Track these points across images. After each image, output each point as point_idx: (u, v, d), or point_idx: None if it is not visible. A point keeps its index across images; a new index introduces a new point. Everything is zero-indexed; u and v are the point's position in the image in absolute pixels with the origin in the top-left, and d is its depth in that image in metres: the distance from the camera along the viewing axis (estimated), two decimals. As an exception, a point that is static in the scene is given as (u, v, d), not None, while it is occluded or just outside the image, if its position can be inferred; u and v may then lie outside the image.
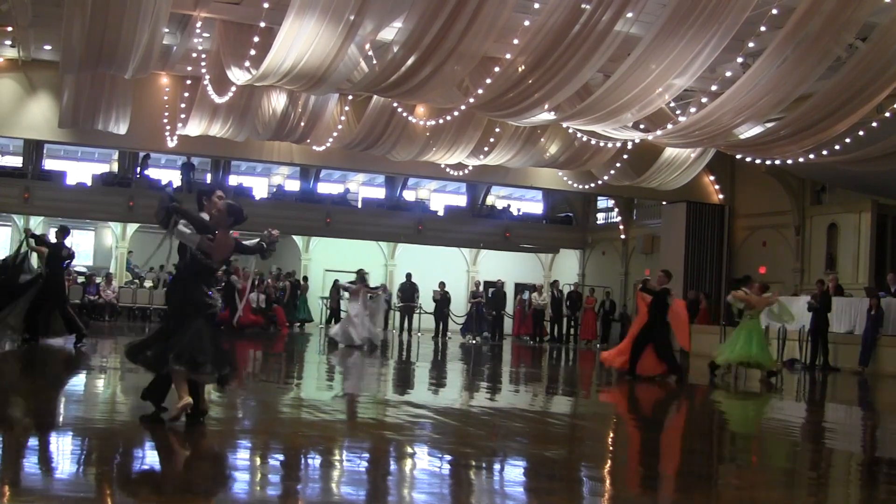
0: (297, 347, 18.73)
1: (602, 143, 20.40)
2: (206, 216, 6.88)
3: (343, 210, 29.01)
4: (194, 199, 7.29)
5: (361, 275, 19.02)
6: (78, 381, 10.61)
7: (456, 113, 17.93)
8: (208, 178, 29.97)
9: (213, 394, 7.90)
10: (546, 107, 15.60)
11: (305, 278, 28.31)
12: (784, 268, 24.58)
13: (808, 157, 16.63)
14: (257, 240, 7.08)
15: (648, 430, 9.09)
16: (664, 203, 26.88)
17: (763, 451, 7.84)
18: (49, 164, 28.46)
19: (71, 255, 14.29)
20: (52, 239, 14.21)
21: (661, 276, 13.92)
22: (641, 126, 17.41)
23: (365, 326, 18.27)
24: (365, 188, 33.85)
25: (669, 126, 16.63)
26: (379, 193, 32.40)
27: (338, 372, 13.91)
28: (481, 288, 27.86)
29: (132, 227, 28.64)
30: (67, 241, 14.18)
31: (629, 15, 13.16)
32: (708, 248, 26.23)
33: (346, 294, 19.47)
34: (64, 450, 5.95)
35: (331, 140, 21.20)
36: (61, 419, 7.31)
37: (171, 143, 21.75)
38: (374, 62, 16.55)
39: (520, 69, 14.51)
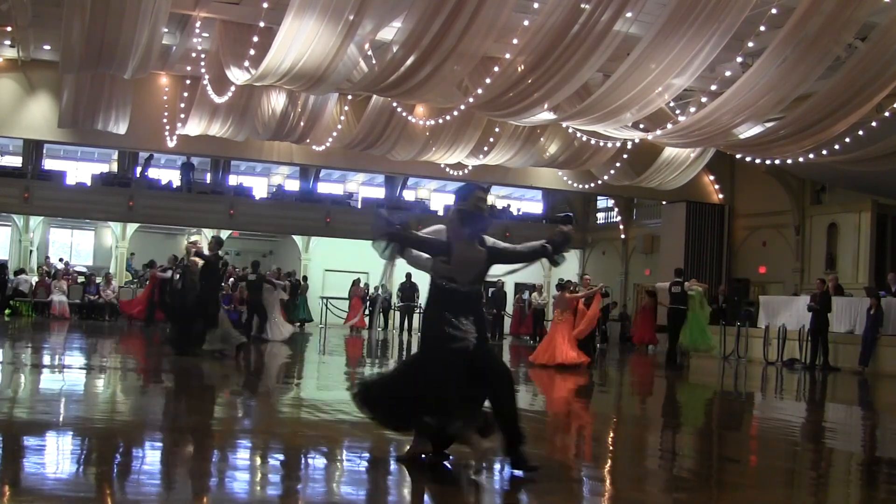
0: (297, 347, 18.71)
1: (602, 143, 20.41)
2: (440, 229, 5.72)
3: (343, 210, 29.01)
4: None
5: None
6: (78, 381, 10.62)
7: (456, 113, 17.93)
8: (208, 177, 29.98)
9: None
10: (546, 107, 15.61)
11: (305, 278, 28.30)
12: (784, 268, 24.59)
13: (808, 157, 16.64)
14: (541, 241, 5.64)
15: (648, 429, 9.09)
16: (664, 203, 26.88)
17: (763, 451, 7.84)
18: (49, 164, 28.48)
19: (226, 264, 13.91)
20: (207, 251, 13.67)
21: (588, 279, 16.47)
22: (641, 126, 17.42)
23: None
24: (365, 188, 33.85)
25: (669, 126, 16.64)
26: (379, 193, 32.40)
27: (339, 372, 13.92)
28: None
29: (132, 227, 28.65)
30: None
31: (628, 15, 13.17)
32: (708, 248, 26.24)
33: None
34: (64, 450, 5.95)
35: (330, 140, 21.21)
36: (61, 419, 7.31)
37: (171, 143, 21.77)
38: (374, 62, 16.56)
39: (519, 69, 14.51)
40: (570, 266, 32.48)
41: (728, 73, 15.72)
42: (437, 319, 5.49)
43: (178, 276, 15.00)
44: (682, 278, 18.25)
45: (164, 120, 21.17)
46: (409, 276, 26.13)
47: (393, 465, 6.04)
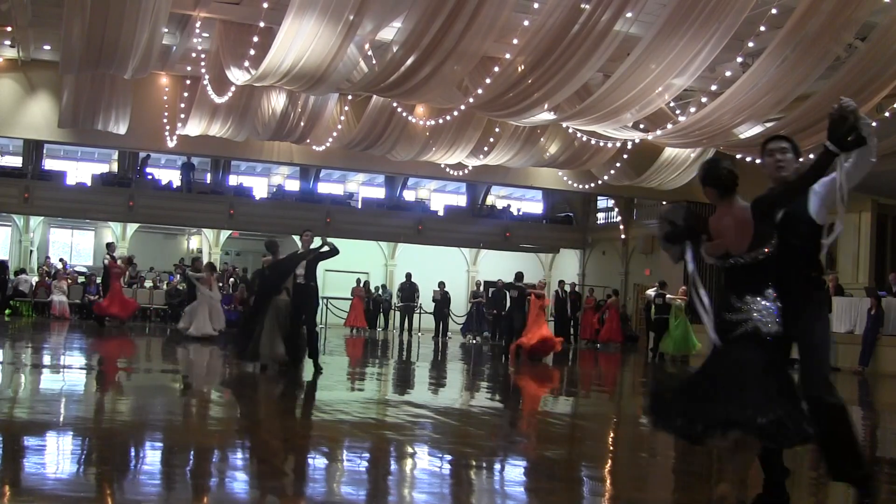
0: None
1: (602, 143, 20.41)
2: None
3: (343, 210, 29.00)
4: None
5: (210, 265, 19.25)
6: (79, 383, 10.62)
7: (456, 113, 17.94)
8: (208, 177, 29.99)
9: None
10: (546, 107, 15.62)
11: (305, 278, 28.25)
12: (784, 268, 24.57)
13: (808, 157, 16.62)
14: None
15: (648, 428, 9.08)
16: (664, 203, 26.83)
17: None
18: (49, 164, 28.48)
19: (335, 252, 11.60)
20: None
21: (541, 282, 18.48)
22: (641, 126, 17.43)
23: (203, 319, 17.38)
24: (365, 188, 33.85)
25: (669, 126, 16.65)
26: (379, 193, 32.40)
27: (339, 372, 13.92)
28: (481, 288, 27.86)
29: (132, 227, 28.66)
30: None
31: (629, 15, 13.18)
32: (708, 248, 26.26)
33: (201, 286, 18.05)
34: (64, 450, 5.95)
35: (331, 140, 21.22)
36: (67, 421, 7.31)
37: (171, 143, 21.77)
38: (374, 62, 16.56)
39: (519, 69, 14.53)
40: (570, 266, 32.51)
41: (728, 73, 15.72)
42: (722, 307, 4.42)
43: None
44: (664, 290, 19.70)
45: (164, 120, 21.17)
46: (409, 276, 26.15)
47: (393, 465, 6.03)
